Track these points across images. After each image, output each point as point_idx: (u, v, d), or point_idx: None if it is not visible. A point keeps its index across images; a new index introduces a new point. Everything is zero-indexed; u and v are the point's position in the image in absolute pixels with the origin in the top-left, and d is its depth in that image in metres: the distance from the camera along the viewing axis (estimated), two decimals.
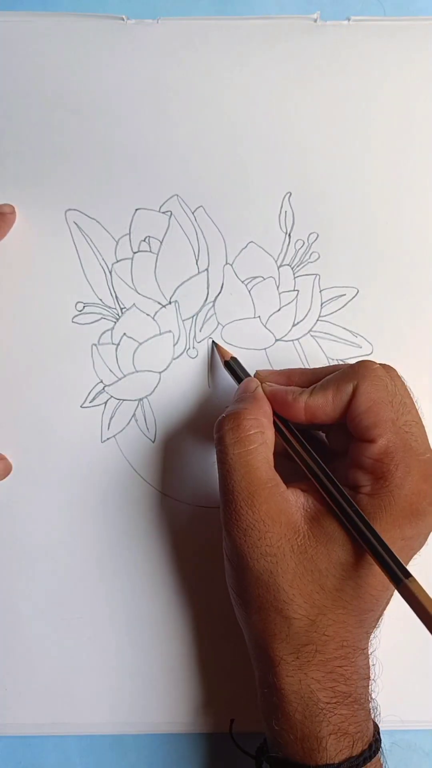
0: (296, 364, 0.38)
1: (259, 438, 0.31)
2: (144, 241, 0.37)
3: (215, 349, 0.37)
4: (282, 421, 0.32)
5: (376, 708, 0.31)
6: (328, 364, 0.38)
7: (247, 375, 0.35)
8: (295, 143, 0.37)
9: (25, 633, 0.37)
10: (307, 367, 0.38)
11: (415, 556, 0.31)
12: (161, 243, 0.37)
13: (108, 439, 0.37)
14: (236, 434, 0.30)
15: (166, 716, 0.37)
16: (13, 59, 0.37)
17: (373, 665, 0.31)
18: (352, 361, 0.37)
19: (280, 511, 0.30)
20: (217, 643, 0.37)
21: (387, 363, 0.32)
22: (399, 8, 0.39)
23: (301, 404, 0.31)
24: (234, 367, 0.36)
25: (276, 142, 0.37)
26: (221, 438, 0.31)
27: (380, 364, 0.32)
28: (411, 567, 0.29)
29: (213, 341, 0.37)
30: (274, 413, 0.32)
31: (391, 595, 0.31)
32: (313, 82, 0.37)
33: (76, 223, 0.37)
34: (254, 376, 0.35)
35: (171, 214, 0.37)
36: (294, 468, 0.32)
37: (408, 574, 0.27)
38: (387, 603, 0.31)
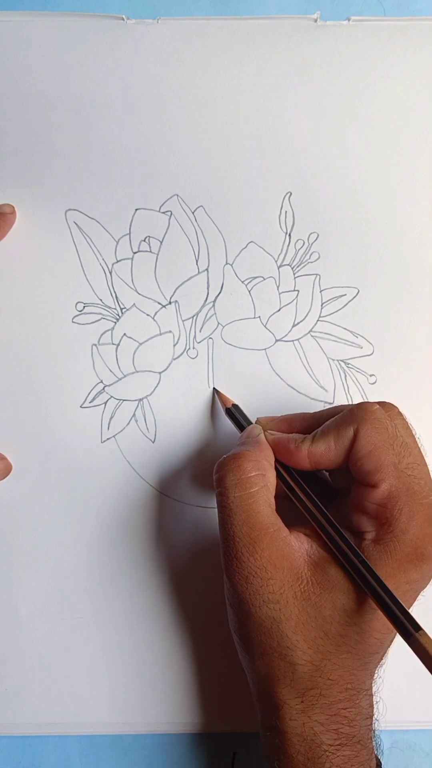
0: (297, 365, 0.38)
1: (261, 480, 0.30)
2: (144, 241, 0.37)
3: (216, 396, 0.37)
4: (284, 467, 0.32)
5: (380, 745, 0.31)
6: (328, 365, 0.38)
7: (249, 422, 0.35)
8: (295, 143, 0.37)
9: (25, 633, 0.37)
10: (308, 369, 0.37)
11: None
12: (161, 243, 0.37)
13: (108, 439, 0.37)
14: (237, 476, 0.30)
15: (166, 716, 0.37)
16: (13, 59, 0.37)
17: (377, 703, 0.31)
18: (354, 362, 0.38)
19: (282, 557, 0.29)
20: (217, 643, 0.37)
21: (387, 401, 0.32)
22: (399, 8, 0.39)
23: (304, 452, 0.31)
24: (235, 414, 0.36)
25: (276, 142, 0.37)
26: (221, 479, 0.30)
27: (379, 403, 0.31)
28: (415, 607, 0.29)
29: (215, 389, 0.37)
30: (276, 460, 0.32)
31: (395, 635, 0.30)
32: (313, 82, 0.37)
33: (76, 223, 0.37)
34: (255, 422, 0.34)
35: (171, 214, 0.37)
36: (296, 510, 0.32)
37: (418, 627, 0.26)
38: (391, 642, 0.31)
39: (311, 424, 0.33)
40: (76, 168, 0.37)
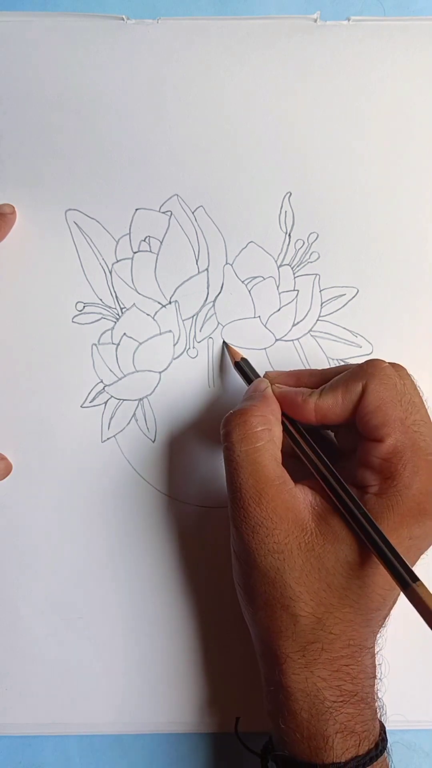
0: (296, 364, 0.38)
1: (267, 435, 0.31)
2: (144, 241, 0.37)
3: (226, 349, 0.37)
4: (290, 422, 0.32)
5: (382, 707, 0.31)
6: (328, 364, 0.38)
7: (257, 376, 0.35)
8: (295, 143, 0.37)
9: (25, 633, 0.37)
10: (308, 367, 0.38)
11: (422, 556, 0.31)
12: (161, 243, 0.37)
13: (108, 439, 0.37)
14: (243, 430, 0.30)
15: (166, 716, 0.37)
16: (13, 59, 0.37)
17: (380, 664, 0.31)
18: (353, 362, 0.37)
19: (287, 508, 0.30)
20: (218, 642, 0.37)
21: (396, 363, 0.32)
22: (399, 8, 0.39)
23: (310, 405, 0.31)
24: (244, 367, 0.36)
25: (276, 142, 0.37)
26: (228, 434, 0.31)
27: (389, 363, 0.31)
28: (417, 566, 0.29)
29: (224, 342, 0.37)
30: (283, 414, 0.32)
31: (398, 594, 0.31)
32: (313, 82, 0.37)
33: (76, 223, 0.37)
34: (263, 376, 0.35)
35: (171, 214, 0.37)
36: (303, 466, 0.32)
37: (416, 578, 0.27)
38: (394, 602, 0.31)
39: (319, 380, 0.33)
40: (76, 168, 0.37)
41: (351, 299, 0.38)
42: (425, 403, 0.31)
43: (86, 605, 0.37)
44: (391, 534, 0.28)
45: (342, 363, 0.38)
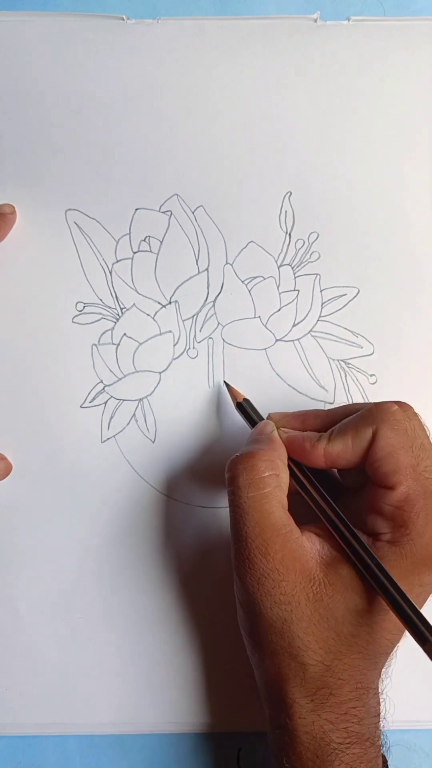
0: (297, 365, 0.38)
1: (274, 480, 0.30)
2: (144, 240, 0.37)
3: (227, 390, 0.37)
4: (296, 465, 0.32)
5: (386, 743, 0.31)
6: (329, 365, 0.38)
7: (261, 418, 0.35)
8: (295, 143, 0.37)
9: (25, 633, 0.37)
10: (309, 369, 0.37)
11: None
12: (161, 243, 0.37)
13: (108, 439, 0.37)
14: (250, 476, 0.30)
15: (166, 716, 0.37)
16: (13, 59, 0.37)
17: (383, 700, 0.31)
18: (354, 362, 0.37)
19: (294, 558, 0.29)
20: (217, 642, 0.37)
21: (403, 401, 0.31)
22: (399, 8, 0.39)
23: (320, 451, 0.31)
24: (247, 409, 0.35)
25: (276, 142, 0.37)
26: (234, 478, 0.30)
27: (396, 403, 0.31)
28: None
29: (225, 382, 0.37)
30: (290, 458, 0.32)
31: (404, 633, 0.30)
32: (313, 82, 0.37)
33: (76, 223, 0.37)
34: (267, 418, 0.34)
35: (171, 213, 0.37)
36: (307, 508, 0.31)
37: None
38: (399, 642, 0.31)
39: (325, 422, 0.32)
40: (76, 168, 0.37)
41: (352, 299, 0.38)
42: None
43: (86, 605, 0.37)
44: (402, 582, 0.28)
45: (343, 363, 0.38)
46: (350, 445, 0.30)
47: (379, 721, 0.30)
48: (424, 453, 0.30)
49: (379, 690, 0.31)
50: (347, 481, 0.34)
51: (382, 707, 0.31)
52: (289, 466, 0.32)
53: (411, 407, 0.31)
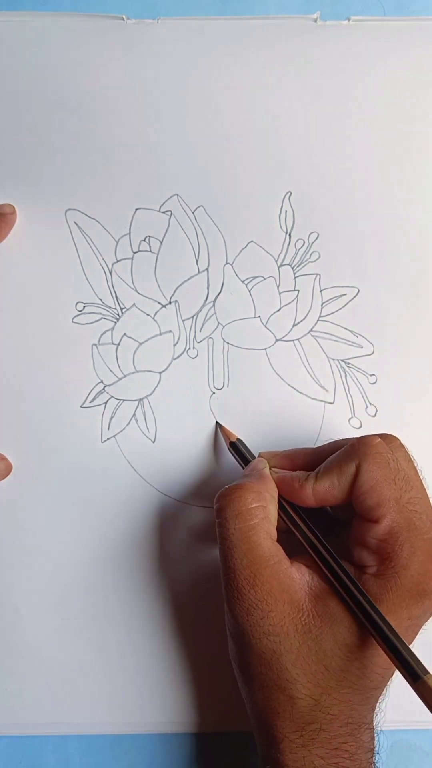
0: (297, 365, 0.38)
1: (261, 512, 0.30)
2: (144, 240, 0.37)
3: (219, 431, 0.37)
4: (286, 501, 0.32)
5: None
6: (329, 365, 0.38)
7: (253, 457, 0.35)
8: (295, 143, 0.37)
9: (25, 633, 0.37)
10: (308, 369, 0.37)
11: None
12: (161, 243, 0.37)
13: (108, 439, 0.37)
14: (237, 507, 0.30)
15: (166, 716, 0.37)
16: (13, 59, 0.37)
17: (377, 734, 0.31)
18: (354, 362, 0.38)
19: (283, 590, 0.29)
20: (217, 642, 0.37)
21: (388, 433, 0.32)
22: (399, 8, 0.39)
23: (308, 491, 0.31)
24: (240, 448, 0.35)
25: (276, 142, 0.37)
26: (221, 509, 0.30)
27: (380, 436, 0.31)
28: None
29: (218, 423, 0.37)
30: (280, 496, 0.32)
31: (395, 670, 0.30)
32: (312, 82, 0.37)
33: (76, 223, 0.37)
34: (258, 456, 0.34)
35: (171, 213, 0.37)
36: (298, 541, 0.32)
37: (425, 671, 0.26)
38: (391, 677, 0.30)
39: (314, 460, 0.33)
40: (76, 168, 0.37)
41: (352, 299, 0.38)
42: (420, 473, 0.31)
43: (86, 605, 0.37)
44: (390, 615, 0.28)
45: (343, 363, 0.38)
46: (336, 482, 0.30)
47: (372, 756, 0.30)
48: (407, 485, 0.30)
49: (374, 725, 0.30)
50: (340, 515, 0.34)
51: (376, 742, 0.30)
52: (279, 502, 0.32)
53: (396, 439, 0.31)
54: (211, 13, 0.39)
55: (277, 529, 0.31)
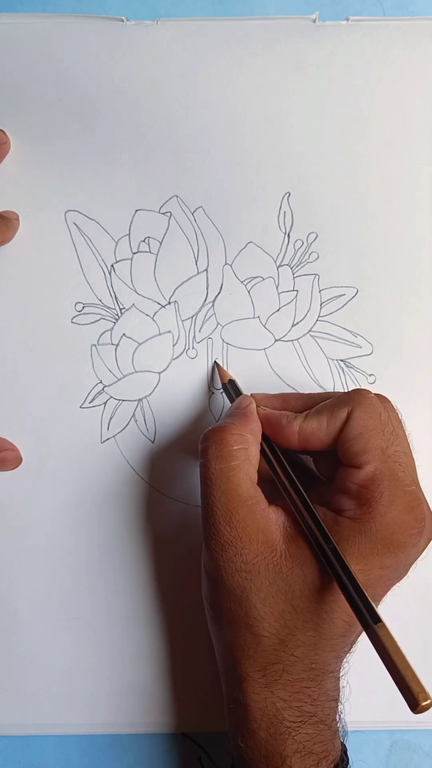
0: (296, 365, 0.38)
1: (242, 454, 0.31)
2: (143, 241, 0.37)
3: (216, 370, 0.37)
4: (267, 444, 0.32)
5: (344, 728, 0.31)
6: (328, 365, 0.38)
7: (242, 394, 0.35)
8: (294, 143, 0.37)
9: (25, 633, 0.37)
10: (308, 369, 0.38)
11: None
12: (161, 243, 0.37)
13: (108, 439, 0.37)
14: (219, 449, 0.31)
15: (166, 716, 0.37)
16: (12, 60, 0.37)
17: (344, 687, 0.31)
18: (354, 362, 0.38)
19: (258, 529, 0.30)
20: None
21: (383, 395, 0.32)
22: (398, 8, 0.39)
23: (294, 428, 0.31)
24: (230, 388, 0.36)
25: (275, 143, 0.37)
26: (204, 451, 0.31)
27: (376, 394, 0.32)
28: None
29: (216, 362, 0.37)
30: (263, 436, 0.32)
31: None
32: (312, 83, 0.37)
33: (75, 224, 0.37)
34: (251, 397, 0.35)
35: (171, 214, 0.37)
36: (279, 489, 0.32)
37: (378, 619, 0.26)
38: (361, 631, 0.30)
39: (306, 404, 0.33)
40: (75, 169, 0.37)
41: (351, 299, 0.38)
42: (408, 436, 0.31)
43: (86, 605, 0.37)
44: (360, 561, 0.28)
45: (342, 363, 0.38)
46: (324, 424, 0.31)
47: (336, 705, 0.31)
48: (395, 439, 0.31)
49: (339, 676, 0.31)
50: (322, 471, 0.34)
51: (341, 693, 0.31)
52: (261, 444, 0.32)
53: (390, 402, 0.32)
54: (211, 14, 0.39)
55: (261, 475, 0.32)
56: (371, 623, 0.26)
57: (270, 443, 0.32)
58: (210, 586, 0.31)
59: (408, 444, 0.31)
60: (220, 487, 0.30)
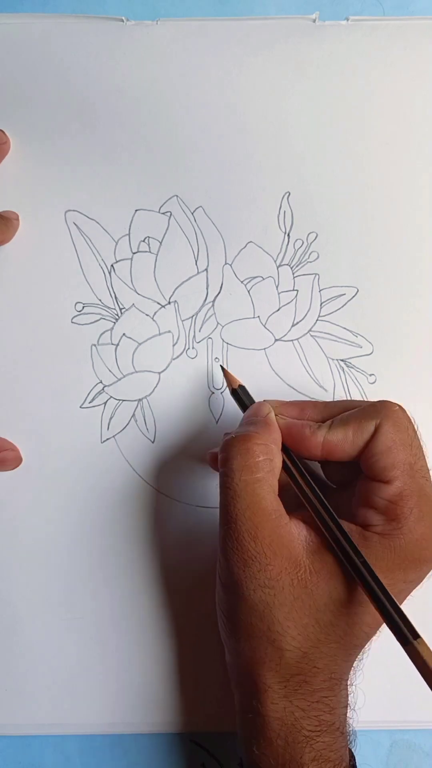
0: (296, 365, 0.38)
1: (267, 465, 0.30)
2: (143, 241, 0.37)
3: (223, 376, 0.36)
4: (287, 454, 0.31)
5: (353, 733, 0.31)
6: (328, 365, 0.38)
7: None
8: (293, 143, 0.37)
9: (25, 633, 0.37)
10: (308, 368, 0.37)
11: None
12: (160, 243, 0.37)
13: (108, 439, 0.37)
14: (245, 459, 0.30)
15: (166, 716, 0.37)
16: (12, 60, 0.37)
17: (352, 693, 0.31)
18: (354, 362, 0.37)
19: (282, 544, 0.29)
20: (218, 643, 0.37)
21: (402, 405, 0.31)
22: (398, 8, 0.39)
23: (318, 439, 0.30)
24: (240, 394, 0.35)
25: (275, 143, 0.37)
26: (227, 460, 0.30)
27: (398, 404, 0.31)
28: None
29: (222, 367, 0.37)
30: (282, 446, 0.32)
31: (379, 629, 0.30)
32: (311, 82, 0.37)
33: (75, 224, 0.37)
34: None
35: (170, 214, 0.37)
36: (295, 496, 0.31)
37: (417, 635, 0.26)
38: (375, 635, 0.31)
39: (323, 414, 0.32)
40: (75, 169, 0.37)
41: (351, 299, 0.38)
42: (423, 447, 0.31)
43: (86, 605, 0.37)
44: (387, 575, 0.28)
45: (342, 363, 0.38)
46: (350, 436, 0.30)
47: (347, 712, 0.31)
48: (420, 453, 0.30)
49: (349, 683, 0.31)
50: (332, 477, 0.34)
51: (351, 699, 0.31)
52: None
53: (409, 414, 0.31)
54: (211, 14, 0.39)
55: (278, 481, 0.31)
56: (411, 640, 0.26)
57: (289, 453, 0.31)
58: (229, 599, 0.30)
59: (425, 458, 0.31)
60: (245, 499, 0.29)
